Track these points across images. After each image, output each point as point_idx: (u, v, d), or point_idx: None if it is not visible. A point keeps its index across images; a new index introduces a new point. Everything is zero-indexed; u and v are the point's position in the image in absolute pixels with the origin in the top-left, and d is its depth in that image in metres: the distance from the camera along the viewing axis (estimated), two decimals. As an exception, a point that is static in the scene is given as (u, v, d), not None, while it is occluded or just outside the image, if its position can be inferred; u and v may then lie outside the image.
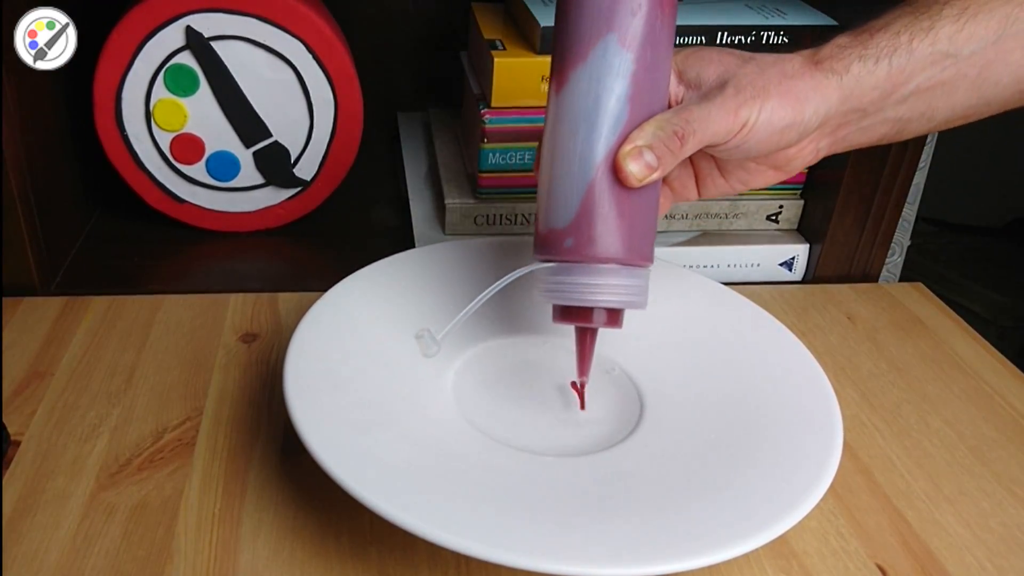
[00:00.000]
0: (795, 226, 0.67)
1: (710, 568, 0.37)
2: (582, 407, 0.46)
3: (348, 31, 0.66)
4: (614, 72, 0.39)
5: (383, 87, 0.79)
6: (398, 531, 0.35)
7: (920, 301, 0.63)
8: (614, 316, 0.42)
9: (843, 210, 0.63)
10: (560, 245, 0.41)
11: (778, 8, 0.63)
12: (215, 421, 0.48)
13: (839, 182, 0.62)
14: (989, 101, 0.42)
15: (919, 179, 0.66)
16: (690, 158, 0.45)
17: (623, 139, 0.40)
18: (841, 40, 0.42)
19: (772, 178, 0.46)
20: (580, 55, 0.40)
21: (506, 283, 0.43)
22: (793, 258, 0.66)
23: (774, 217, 0.67)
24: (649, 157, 0.39)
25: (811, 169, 0.65)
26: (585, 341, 0.44)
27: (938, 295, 0.64)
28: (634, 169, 0.39)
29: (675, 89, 0.42)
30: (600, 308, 0.42)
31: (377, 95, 0.66)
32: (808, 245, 0.66)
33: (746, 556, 0.39)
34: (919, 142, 0.60)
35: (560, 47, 0.41)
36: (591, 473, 0.42)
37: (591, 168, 0.40)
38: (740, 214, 0.66)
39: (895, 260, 0.69)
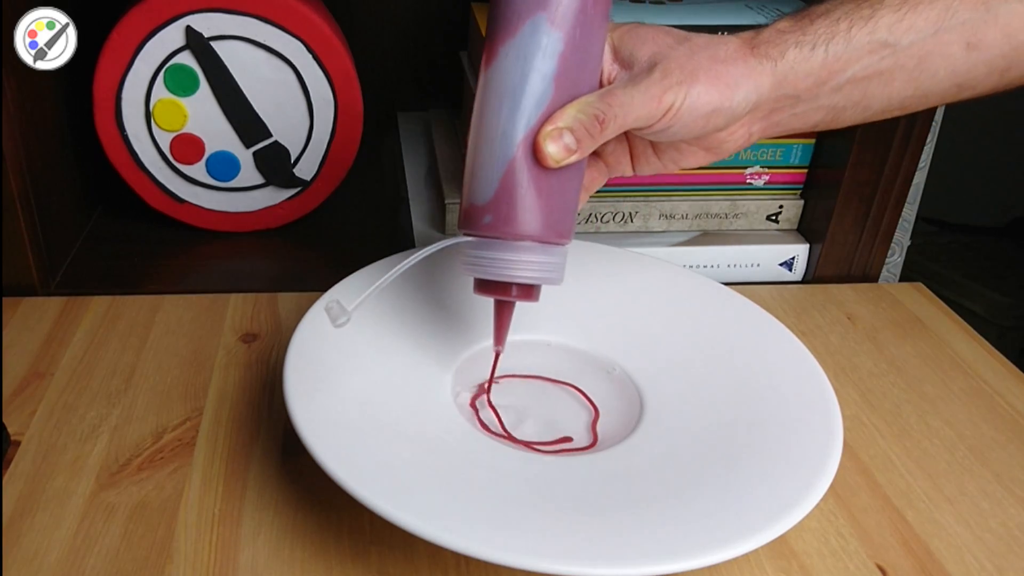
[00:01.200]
0: (795, 226, 0.67)
1: (710, 568, 0.37)
2: (492, 376, 0.47)
3: (348, 31, 0.66)
4: (542, 51, 0.39)
5: (383, 87, 0.79)
6: (398, 531, 0.35)
7: (920, 301, 0.63)
8: (529, 291, 0.43)
9: (843, 210, 0.63)
10: (480, 221, 0.41)
11: (778, 8, 0.63)
12: (215, 421, 0.48)
13: (839, 182, 0.62)
14: (926, 93, 0.42)
15: (919, 179, 0.66)
16: (625, 135, 0.45)
17: (545, 119, 0.40)
18: (781, 25, 0.42)
19: (704, 159, 0.46)
20: (510, 31, 0.40)
21: (425, 255, 0.42)
22: (793, 258, 0.66)
23: (774, 217, 0.67)
24: (568, 139, 0.39)
25: (811, 169, 0.65)
26: (502, 313, 0.44)
27: (938, 295, 0.64)
28: (552, 151, 0.39)
29: (609, 67, 0.42)
30: (515, 283, 0.42)
31: (377, 95, 0.66)
32: (808, 245, 0.66)
33: (746, 556, 0.39)
34: (919, 141, 0.60)
35: (493, 20, 0.41)
36: (591, 473, 0.42)
37: (512, 146, 0.40)
38: (740, 214, 0.66)
39: (895, 260, 0.69)
